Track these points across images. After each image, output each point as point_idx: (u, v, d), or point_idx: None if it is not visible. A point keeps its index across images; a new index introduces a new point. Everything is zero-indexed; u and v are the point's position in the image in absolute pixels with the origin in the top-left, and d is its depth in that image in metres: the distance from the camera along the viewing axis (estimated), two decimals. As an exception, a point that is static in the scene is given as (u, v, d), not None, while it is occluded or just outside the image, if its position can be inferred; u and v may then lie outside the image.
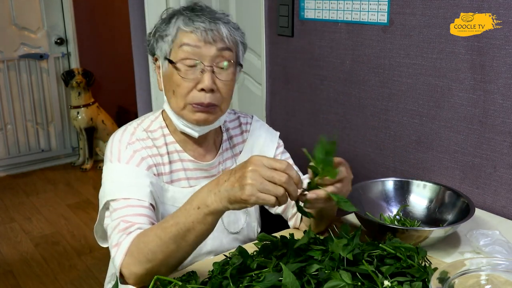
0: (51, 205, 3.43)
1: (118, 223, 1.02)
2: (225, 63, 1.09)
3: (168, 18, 1.11)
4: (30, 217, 3.24)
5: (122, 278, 0.98)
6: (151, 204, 1.07)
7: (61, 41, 4.06)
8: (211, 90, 1.08)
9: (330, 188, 0.93)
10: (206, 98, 1.08)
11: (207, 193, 0.89)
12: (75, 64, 4.13)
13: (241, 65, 1.15)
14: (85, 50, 4.22)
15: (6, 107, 3.86)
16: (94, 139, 4.10)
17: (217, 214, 0.90)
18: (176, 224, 0.91)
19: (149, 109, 2.82)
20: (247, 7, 2.15)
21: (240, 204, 0.86)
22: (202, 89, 1.07)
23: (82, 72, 3.96)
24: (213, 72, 1.07)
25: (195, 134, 1.15)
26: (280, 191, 0.84)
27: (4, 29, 3.76)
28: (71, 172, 4.08)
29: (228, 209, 0.88)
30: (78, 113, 3.98)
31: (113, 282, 1.08)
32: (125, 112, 4.44)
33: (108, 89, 4.44)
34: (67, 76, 3.95)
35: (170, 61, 1.08)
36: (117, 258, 0.97)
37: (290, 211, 1.27)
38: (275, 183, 0.83)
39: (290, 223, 1.28)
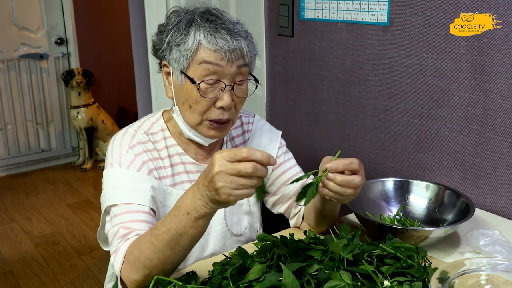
0: (51, 205, 3.43)
1: (117, 229, 1.02)
2: (243, 85, 1.10)
3: (185, 28, 1.06)
4: (30, 217, 3.24)
5: (122, 285, 0.98)
6: (152, 209, 1.07)
7: (61, 41, 4.06)
8: (229, 108, 1.09)
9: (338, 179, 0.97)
10: (224, 115, 1.09)
11: (193, 198, 0.88)
12: (75, 64, 4.13)
13: (257, 80, 1.14)
14: (85, 50, 4.22)
15: (6, 107, 3.86)
16: (94, 139, 4.11)
17: (208, 217, 0.90)
18: (167, 231, 0.91)
19: (149, 109, 2.82)
20: (247, 7, 2.15)
21: (225, 205, 0.86)
22: (221, 107, 1.08)
23: (82, 72, 3.96)
24: (231, 89, 1.08)
25: (205, 144, 1.17)
26: (253, 181, 0.83)
27: (4, 29, 3.77)
28: (71, 172, 4.08)
29: (218, 209, 0.89)
30: (78, 113, 3.98)
31: (113, 282, 1.08)
32: (125, 112, 4.44)
33: (108, 89, 4.44)
34: (67, 76, 3.95)
35: (191, 79, 1.06)
36: (116, 265, 0.98)
37: (292, 211, 1.27)
38: (244, 177, 0.82)
39: (291, 222, 1.28)
